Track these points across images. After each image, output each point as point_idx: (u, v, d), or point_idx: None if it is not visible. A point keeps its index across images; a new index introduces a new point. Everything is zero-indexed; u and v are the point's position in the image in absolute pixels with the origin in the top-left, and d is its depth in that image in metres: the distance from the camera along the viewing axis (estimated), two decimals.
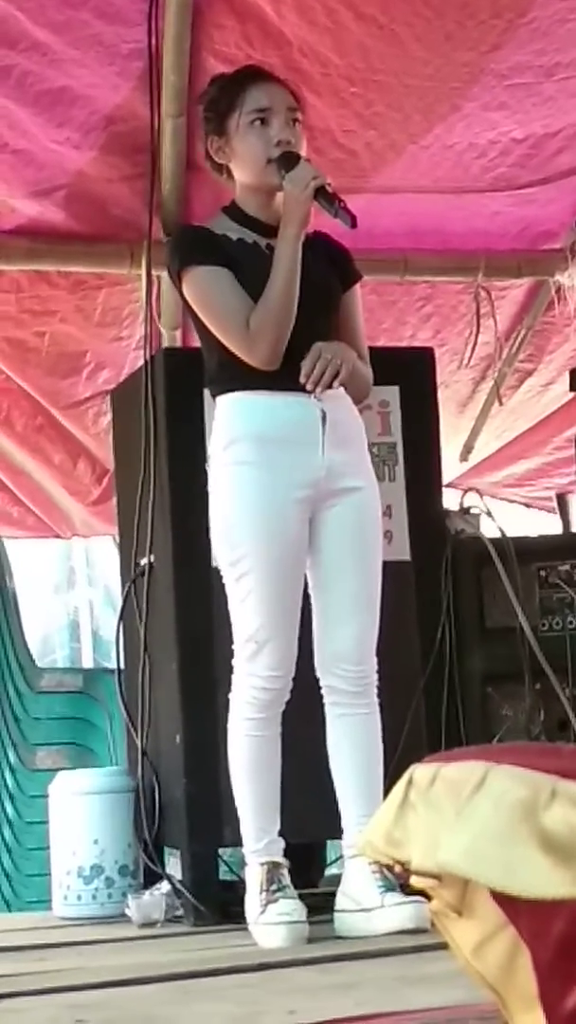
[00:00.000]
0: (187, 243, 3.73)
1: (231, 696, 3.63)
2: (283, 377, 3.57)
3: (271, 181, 3.64)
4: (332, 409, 3.62)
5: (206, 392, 4.02)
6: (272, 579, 3.55)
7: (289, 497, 3.57)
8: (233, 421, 3.61)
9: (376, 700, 3.66)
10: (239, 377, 3.61)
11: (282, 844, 3.63)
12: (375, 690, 3.66)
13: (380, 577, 3.68)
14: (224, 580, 3.65)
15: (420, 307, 5.76)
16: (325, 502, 3.62)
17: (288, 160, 3.61)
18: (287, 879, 3.60)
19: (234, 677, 3.63)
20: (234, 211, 3.73)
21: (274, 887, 3.57)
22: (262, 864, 3.60)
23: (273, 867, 3.60)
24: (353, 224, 3.61)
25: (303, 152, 3.66)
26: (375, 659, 3.66)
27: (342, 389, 3.64)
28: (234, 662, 3.63)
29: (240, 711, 3.62)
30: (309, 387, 3.55)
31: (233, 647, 3.63)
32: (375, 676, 3.66)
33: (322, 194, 3.58)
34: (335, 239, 3.83)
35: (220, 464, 3.63)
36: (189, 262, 3.65)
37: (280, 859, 3.62)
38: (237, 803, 3.65)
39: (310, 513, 3.62)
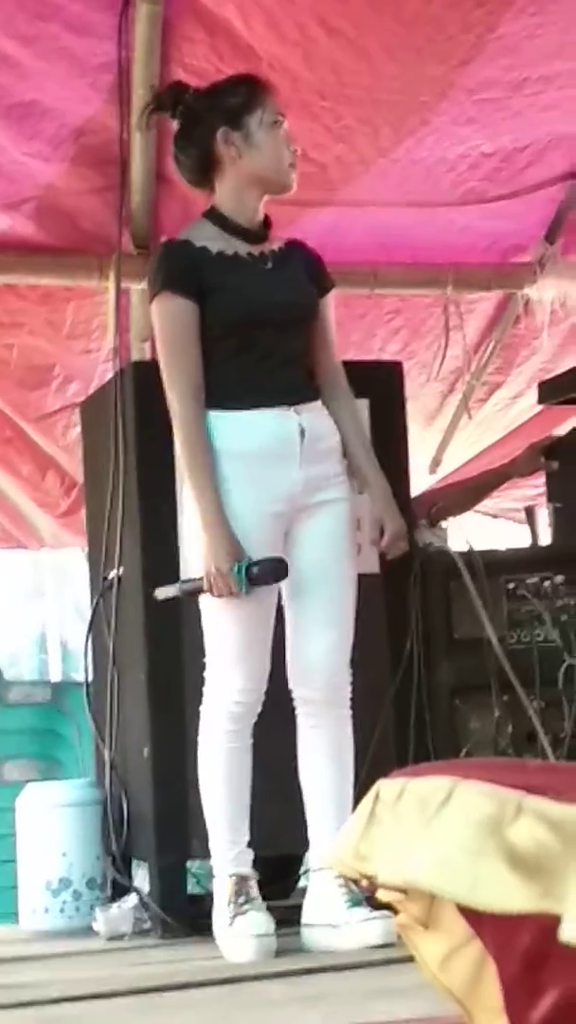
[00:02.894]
0: (165, 264, 3.66)
1: (202, 708, 3.63)
2: (262, 393, 3.57)
3: (286, 181, 3.67)
4: (310, 422, 3.63)
5: None
6: (246, 594, 3.54)
7: (266, 512, 3.56)
8: (211, 437, 3.59)
9: (348, 712, 3.66)
10: (218, 393, 3.59)
11: (251, 856, 3.62)
12: (348, 702, 3.66)
13: (355, 589, 3.68)
14: None
15: (389, 320, 5.78)
16: (301, 514, 3.61)
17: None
18: (255, 891, 3.59)
19: (206, 690, 3.62)
20: (216, 216, 3.68)
21: (242, 899, 3.55)
22: (230, 876, 3.58)
23: (241, 879, 3.58)
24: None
25: None
26: (349, 671, 3.66)
27: (319, 402, 3.67)
28: (206, 675, 3.62)
29: (212, 724, 3.61)
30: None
31: (205, 660, 3.63)
32: (348, 688, 3.66)
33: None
34: (309, 247, 3.80)
35: None
36: (161, 286, 3.62)
37: (248, 871, 3.60)
38: (206, 814, 3.64)
39: (286, 526, 3.61)
